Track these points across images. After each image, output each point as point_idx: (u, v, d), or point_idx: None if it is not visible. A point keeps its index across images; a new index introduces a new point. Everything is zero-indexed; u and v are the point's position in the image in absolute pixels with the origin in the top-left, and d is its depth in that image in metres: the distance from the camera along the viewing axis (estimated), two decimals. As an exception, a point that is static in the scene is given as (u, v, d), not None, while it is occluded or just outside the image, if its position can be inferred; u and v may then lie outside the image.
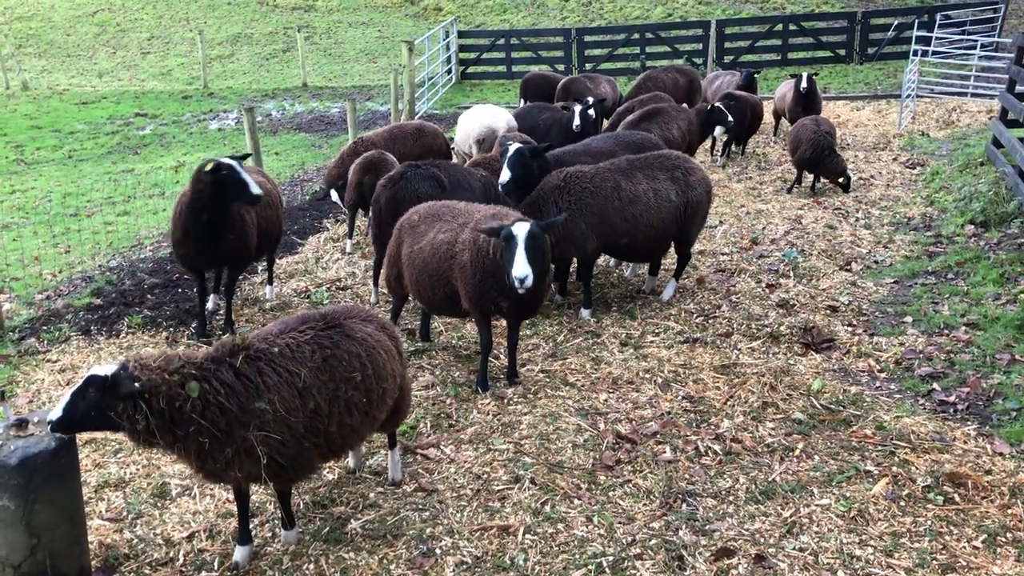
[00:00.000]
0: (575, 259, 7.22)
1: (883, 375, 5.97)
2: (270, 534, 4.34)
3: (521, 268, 5.17)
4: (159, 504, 4.62)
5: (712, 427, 5.23)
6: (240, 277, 8.33)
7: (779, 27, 22.21)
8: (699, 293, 7.61)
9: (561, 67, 22.22)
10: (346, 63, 26.07)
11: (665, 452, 4.97)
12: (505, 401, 5.69)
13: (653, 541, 4.13)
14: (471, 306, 5.76)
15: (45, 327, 7.16)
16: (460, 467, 4.90)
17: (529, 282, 5.21)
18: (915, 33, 16.93)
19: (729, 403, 5.51)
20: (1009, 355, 6.01)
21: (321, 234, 10.02)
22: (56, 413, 3.45)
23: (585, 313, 7.17)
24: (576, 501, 4.51)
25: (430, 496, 4.62)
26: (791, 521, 4.27)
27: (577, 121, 10.37)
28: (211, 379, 3.58)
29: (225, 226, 6.50)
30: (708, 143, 12.83)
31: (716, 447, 4.98)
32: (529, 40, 23.46)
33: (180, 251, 6.71)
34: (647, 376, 5.95)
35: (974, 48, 18.30)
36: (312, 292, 8.01)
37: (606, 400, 5.64)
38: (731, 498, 4.51)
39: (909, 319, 6.86)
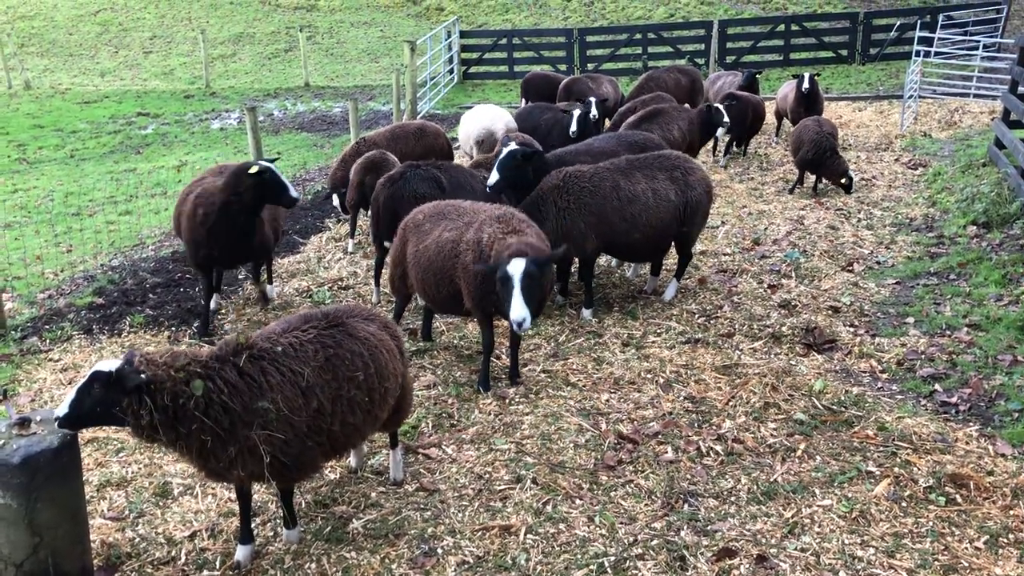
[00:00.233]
0: (576, 259, 7.23)
1: (885, 376, 5.96)
2: (272, 533, 4.34)
3: (518, 312, 5.07)
4: (161, 503, 4.63)
5: (714, 427, 5.23)
6: (237, 272, 8.45)
7: (781, 27, 22.20)
8: (701, 293, 7.61)
9: (563, 67, 22.23)
10: (348, 63, 26.08)
11: (667, 452, 4.97)
12: (507, 401, 5.69)
13: (655, 541, 4.13)
14: (473, 306, 5.76)
15: (47, 326, 7.17)
16: (462, 467, 4.91)
17: (527, 324, 5.12)
18: (917, 34, 16.95)
19: (731, 403, 5.51)
20: (1011, 356, 6.01)
21: (323, 234, 10.03)
22: (63, 409, 3.47)
23: (587, 313, 7.17)
24: (578, 501, 4.51)
25: (432, 496, 4.62)
26: (793, 522, 4.27)
27: (574, 127, 10.27)
28: (215, 378, 3.59)
29: (253, 226, 6.71)
30: (710, 144, 12.81)
31: (718, 447, 4.99)
32: (531, 40, 23.45)
33: (200, 251, 6.75)
34: (649, 376, 5.95)
35: (976, 49, 18.29)
36: (314, 291, 8.02)
37: (608, 400, 5.64)
38: (733, 498, 4.51)
39: (911, 320, 6.86)
